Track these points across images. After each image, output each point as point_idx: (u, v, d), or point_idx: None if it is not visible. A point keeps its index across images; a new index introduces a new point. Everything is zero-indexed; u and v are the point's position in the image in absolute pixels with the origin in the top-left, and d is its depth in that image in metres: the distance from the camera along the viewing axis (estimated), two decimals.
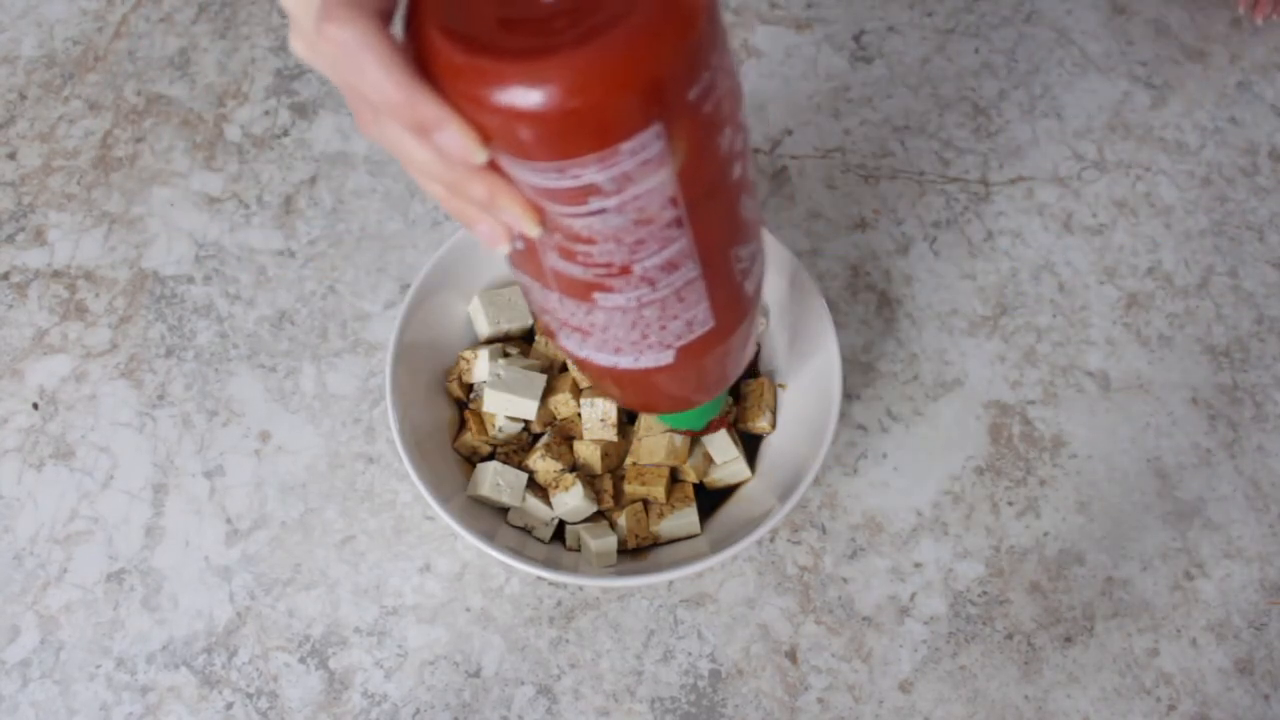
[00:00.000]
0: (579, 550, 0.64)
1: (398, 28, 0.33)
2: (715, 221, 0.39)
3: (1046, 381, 0.72)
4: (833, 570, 0.66)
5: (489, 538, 0.58)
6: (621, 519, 0.64)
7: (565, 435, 0.65)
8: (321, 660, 0.63)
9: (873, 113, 0.82)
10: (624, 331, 0.41)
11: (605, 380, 0.46)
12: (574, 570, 0.59)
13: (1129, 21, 0.87)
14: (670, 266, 0.38)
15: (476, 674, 0.63)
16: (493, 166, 0.34)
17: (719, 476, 0.65)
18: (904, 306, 0.74)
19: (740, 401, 0.67)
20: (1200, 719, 0.64)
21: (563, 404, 0.65)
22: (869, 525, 0.67)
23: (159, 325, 0.72)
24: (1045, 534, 0.68)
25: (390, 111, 0.32)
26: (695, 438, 0.64)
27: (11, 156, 0.78)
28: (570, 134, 0.32)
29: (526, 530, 0.64)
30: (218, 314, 0.73)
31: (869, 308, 0.74)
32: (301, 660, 0.63)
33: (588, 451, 0.64)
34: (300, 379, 0.71)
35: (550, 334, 0.45)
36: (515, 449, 0.65)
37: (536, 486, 0.64)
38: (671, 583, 0.66)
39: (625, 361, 0.43)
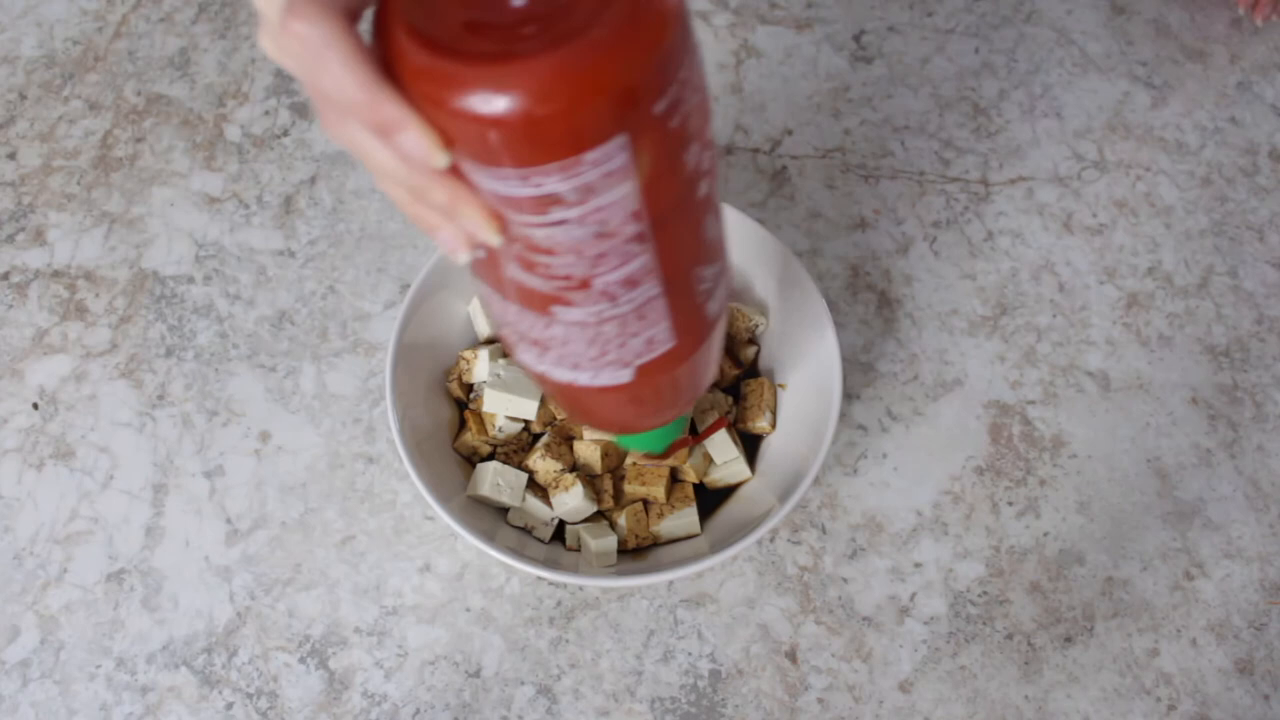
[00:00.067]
0: (579, 550, 0.64)
1: (367, 28, 0.33)
2: (679, 239, 0.38)
3: (1046, 381, 0.72)
4: (833, 570, 0.66)
5: (489, 538, 0.58)
6: (621, 519, 0.64)
7: (565, 435, 0.65)
8: (321, 660, 0.63)
9: (873, 113, 0.82)
10: (582, 347, 0.40)
11: (563, 397, 0.45)
12: (574, 570, 0.59)
13: (1129, 21, 0.87)
14: (631, 282, 0.38)
15: (476, 674, 0.63)
16: (455, 172, 0.33)
17: (719, 476, 0.65)
18: (904, 306, 0.74)
19: (740, 401, 0.67)
20: (1200, 719, 0.64)
21: None
22: (869, 525, 0.67)
23: (159, 325, 0.72)
24: (1045, 534, 0.68)
25: (352, 111, 0.32)
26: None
27: (11, 156, 0.78)
28: (532, 141, 0.31)
29: (526, 530, 0.64)
30: (218, 314, 0.73)
31: (869, 308, 0.74)
32: (301, 660, 0.63)
33: (588, 451, 0.64)
34: (300, 379, 0.71)
35: (509, 347, 0.44)
36: (515, 449, 0.65)
37: (536, 486, 0.64)
38: (671, 583, 0.66)
39: (583, 378, 0.42)
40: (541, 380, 0.44)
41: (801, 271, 0.65)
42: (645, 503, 0.64)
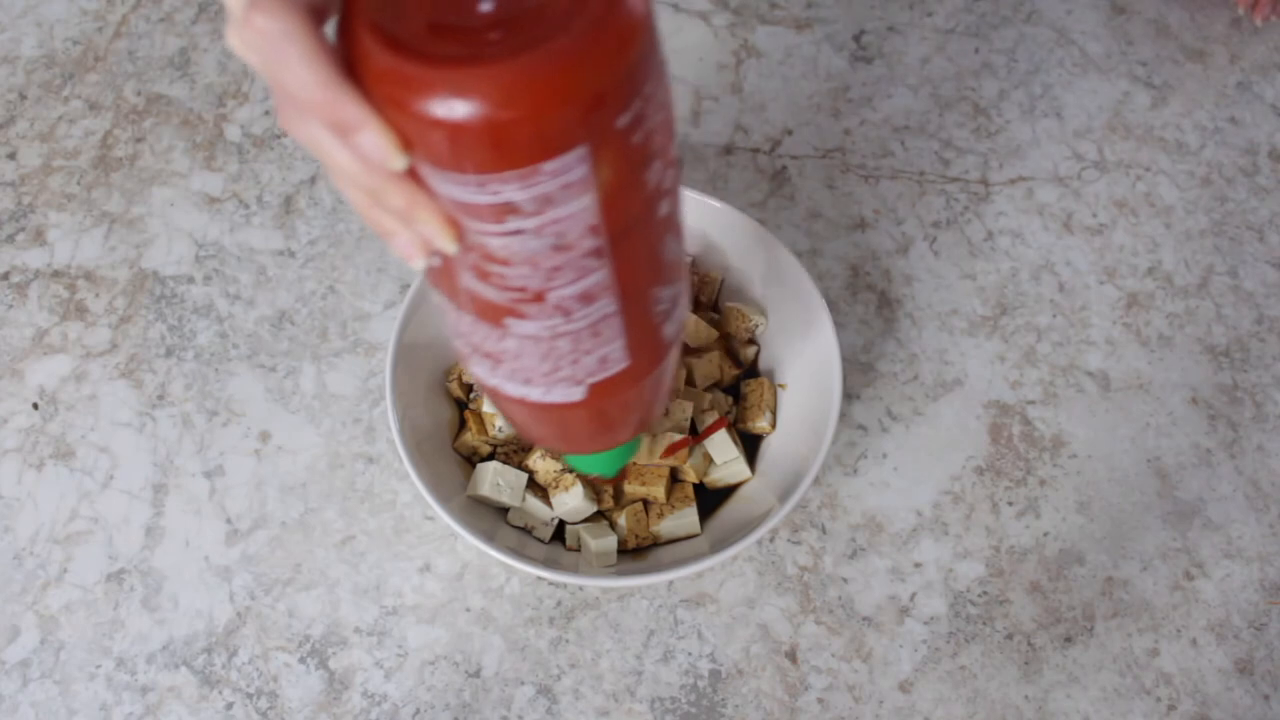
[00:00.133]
0: (579, 550, 0.64)
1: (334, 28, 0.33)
2: (637, 257, 0.38)
3: (1046, 381, 0.72)
4: (833, 570, 0.66)
5: (489, 538, 0.58)
6: (621, 519, 0.64)
7: None
8: (321, 660, 0.63)
9: (873, 113, 0.82)
10: (535, 361, 0.40)
11: (515, 414, 0.45)
12: (574, 570, 0.59)
13: (1129, 21, 0.87)
14: (587, 298, 0.37)
15: (476, 674, 0.63)
16: (414, 177, 0.33)
17: (719, 476, 0.65)
18: (904, 306, 0.74)
19: (740, 401, 0.67)
20: (1200, 719, 0.64)
21: None
22: (869, 525, 0.67)
23: (159, 325, 0.72)
24: (1045, 534, 0.68)
25: (311, 108, 0.31)
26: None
27: (11, 156, 0.78)
28: (491, 148, 0.31)
29: (526, 530, 0.64)
30: (218, 314, 0.73)
31: (869, 308, 0.74)
32: (301, 660, 0.63)
33: None
34: (300, 379, 0.71)
35: (463, 359, 0.43)
36: (515, 449, 0.65)
37: (536, 486, 0.64)
38: (671, 583, 0.66)
39: (535, 394, 0.42)
40: (494, 395, 0.44)
41: (801, 271, 0.65)
42: (645, 503, 0.64)
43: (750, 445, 0.67)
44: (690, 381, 0.67)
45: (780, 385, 0.68)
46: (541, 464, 0.63)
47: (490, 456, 0.65)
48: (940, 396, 0.71)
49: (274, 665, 0.63)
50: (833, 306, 0.74)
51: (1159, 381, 0.73)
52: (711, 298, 0.71)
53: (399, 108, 0.31)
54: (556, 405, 0.43)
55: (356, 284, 0.74)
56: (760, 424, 0.66)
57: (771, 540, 0.67)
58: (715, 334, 0.67)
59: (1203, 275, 0.77)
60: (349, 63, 0.31)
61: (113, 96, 0.80)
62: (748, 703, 0.63)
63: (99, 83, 0.81)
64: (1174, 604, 0.66)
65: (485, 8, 0.31)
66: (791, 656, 0.64)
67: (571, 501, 0.62)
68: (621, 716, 0.62)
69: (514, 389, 0.42)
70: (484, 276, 0.36)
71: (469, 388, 0.67)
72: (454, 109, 0.30)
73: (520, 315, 0.38)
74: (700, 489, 0.66)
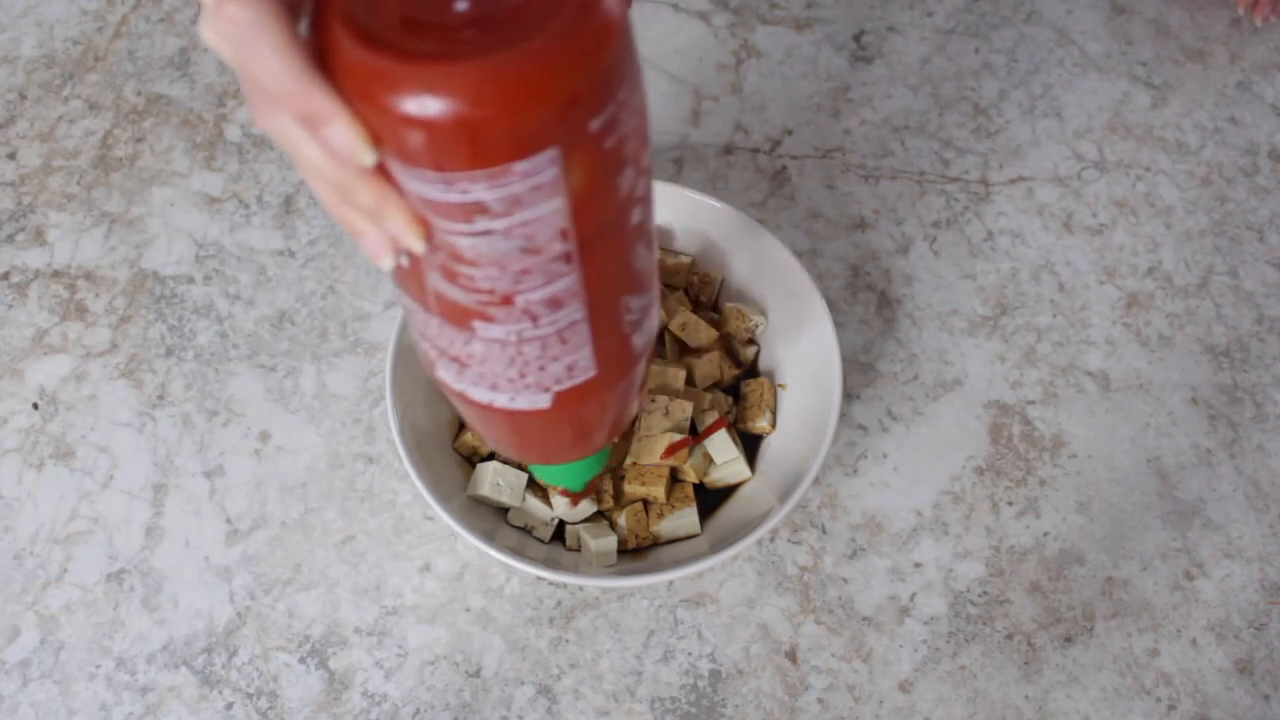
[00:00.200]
0: (579, 550, 0.64)
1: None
2: (607, 264, 0.38)
3: (1046, 381, 0.72)
4: (833, 570, 0.66)
5: (489, 538, 0.58)
6: (621, 519, 0.64)
7: None
8: (321, 660, 0.63)
9: (873, 113, 0.82)
10: (502, 367, 0.40)
11: (482, 421, 0.45)
12: (574, 570, 0.59)
13: (1129, 21, 0.87)
14: (555, 303, 0.37)
15: (476, 674, 0.63)
16: (383, 174, 0.33)
17: (719, 476, 0.65)
18: (904, 306, 0.74)
19: (740, 401, 0.67)
20: (1200, 719, 0.64)
21: None
22: (869, 525, 0.67)
23: (159, 325, 0.72)
24: (1045, 534, 0.68)
25: (281, 99, 0.31)
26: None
27: (11, 156, 0.78)
28: (461, 146, 0.30)
29: (526, 530, 0.64)
30: (218, 314, 0.73)
31: (869, 308, 0.74)
32: (301, 660, 0.63)
33: None
34: (300, 379, 0.71)
35: (429, 364, 0.43)
36: None
37: (536, 486, 0.64)
38: (671, 583, 0.66)
39: (501, 400, 0.42)
40: (461, 400, 0.44)
41: (801, 271, 0.65)
42: (645, 503, 0.64)
43: (750, 445, 0.67)
44: (690, 381, 0.67)
45: (780, 385, 0.68)
46: None
47: (490, 456, 0.65)
48: (940, 396, 0.71)
49: (274, 665, 0.63)
50: (833, 306, 0.74)
51: (1159, 381, 0.73)
52: (711, 298, 0.71)
53: (370, 102, 0.30)
54: (523, 412, 0.42)
55: (356, 284, 0.74)
56: (760, 424, 0.66)
57: (771, 540, 0.67)
58: (715, 334, 0.67)
59: (1203, 275, 0.77)
60: (321, 55, 0.31)
61: (113, 96, 0.80)
62: (748, 703, 0.63)
63: (99, 83, 0.81)
64: (1174, 604, 0.66)
65: (461, 6, 0.31)
66: (791, 656, 0.64)
67: None
68: (621, 716, 0.62)
69: (480, 394, 0.42)
70: (452, 277, 0.36)
71: None
72: (425, 105, 0.30)
73: (488, 319, 0.37)
74: (700, 489, 0.66)
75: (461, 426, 0.66)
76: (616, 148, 0.34)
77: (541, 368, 0.40)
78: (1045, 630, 0.65)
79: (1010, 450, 0.70)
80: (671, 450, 0.62)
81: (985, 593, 0.66)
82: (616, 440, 0.64)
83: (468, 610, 0.65)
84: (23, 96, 0.80)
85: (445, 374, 0.42)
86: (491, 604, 0.65)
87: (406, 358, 0.63)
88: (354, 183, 0.33)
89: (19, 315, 0.73)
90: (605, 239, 0.37)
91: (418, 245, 0.34)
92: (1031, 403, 0.72)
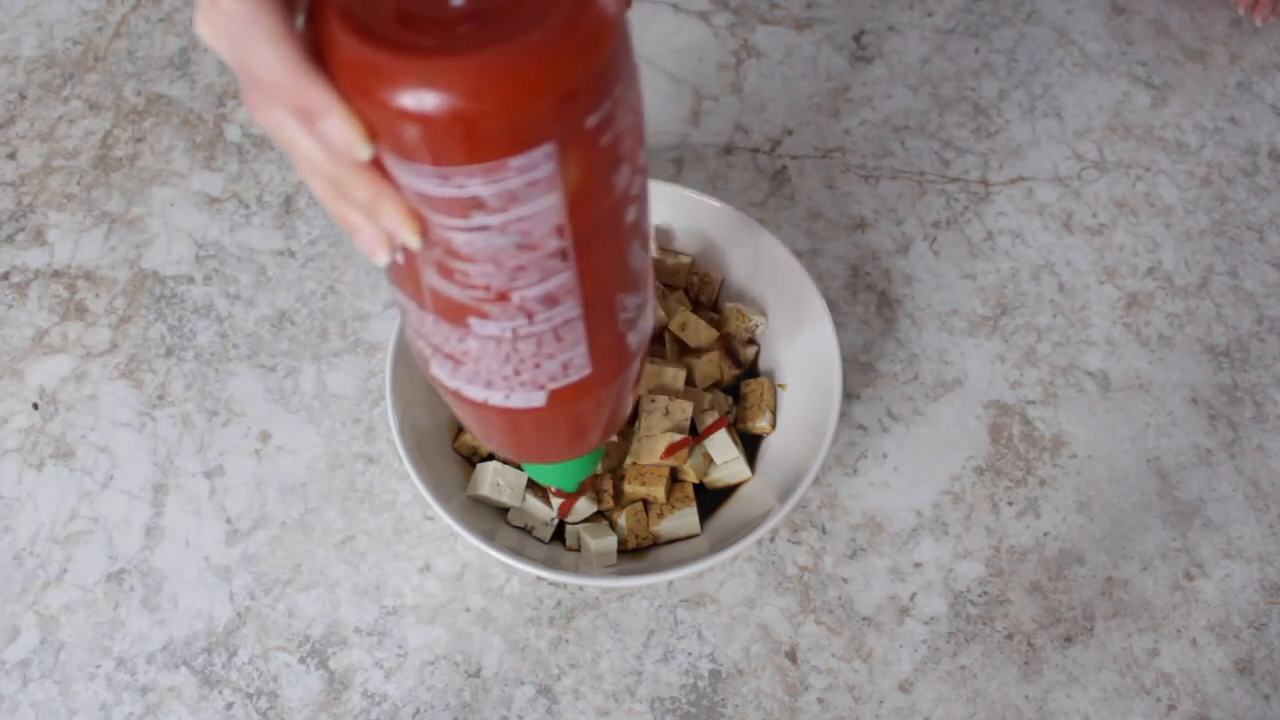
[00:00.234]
0: (579, 550, 0.64)
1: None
2: (603, 262, 0.38)
3: (1046, 381, 0.72)
4: (833, 570, 0.66)
5: (489, 538, 0.58)
6: (621, 519, 0.64)
7: None
8: (321, 660, 0.63)
9: (873, 113, 0.82)
10: (496, 364, 0.40)
11: (476, 419, 0.45)
12: (574, 570, 0.59)
13: (1129, 21, 0.87)
14: (550, 300, 0.37)
15: (476, 674, 0.63)
16: (379, 169, 0.33)
17: (719, 476, 0.65)
18: (904, 306, 0.74)
19: (740, 401, 0.67)
20: (1200, 719, 0.64)
21: None
22: (869, 525, 0.68)
23: (159, 325, 0.72)
24: (1045, 534, 0.68)
25: (276, 93, 0.31)
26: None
27: (11, 156, 0.78)
28: (457, 141, 0.30)
29: (526, 530, 0.64)
30: (218, 314, 0.73)
31: (869, 308, 0.74)
32: (301, 660, 0.63)
33: None
34: (300, 379, 0.71)
35: (423, 362, 0.43)
36: None
37: (536, 486, 0.64)
38: (671, 583, 0.66)
39: (496, 398, 0.42)
40: (455, 398, 0.43)
41: (801, 271, 0.65)
42: (645, 503, 0.64)
43: (750, 445, 0.67)
44: (690, 381, 0.67)
45: (780, 385, 0.68)
46: None
47: (490, 457, 0.65)
48: (940, 396, 0.71)
49: (274, 665, 0.63)
50: (833, 306, 0.74)
51: (1159, 381, 0.73)
52: (711, 298, 0.71)
53: (365, 96, 0.30)
54: (517, 410, 0.42)
55: (356, 284, 0.74)
56: (760, 424, 0.66)
57: (771, 540, 0.67)
58: (715, 334, 0.67)
59: (1203, 275, 0.77)
60: (317, 49, 0.31)
61: (113, 96, 0.80)
62: (748, 703, 0.63)
63: (99, 83, 0.81)
64: (1174, 604, 0.66)
65: (457, 1, 0.31)
66: (791, 656, 0.64)
67: None
68: (621, 716, 0.62)
69: (475, 392, 0.42)
70: (447, 274, 0.36)
71: None
72: (421, 99, 0.30)
73: (483, 315, 0.37)
74: (700, 489, 0.66)
75: (461, 426, 0.66)
76: (613, 144, 0.34)
77: (536, 365, 0.40)
78: (1045, 630, 0.65)
79: (1010, 450, 0.70)
80: (671, 450, 0.62)
81: (985, 593, 0.66)
82: (613, 440, 0.64)
83: (468, 610, 0.65)
84: (23, 96, 0.80)
85: (439, 371, 0.42)
86: (491, 604, 0.65)
87: (406, 358, 0.63)
88: (349, 177, 0.33)
89: (19, 315, 0.73)
90: (601, 236, 0.37)
91: (413, 240, 0.34)
92: (1031, 403, 0.72)
